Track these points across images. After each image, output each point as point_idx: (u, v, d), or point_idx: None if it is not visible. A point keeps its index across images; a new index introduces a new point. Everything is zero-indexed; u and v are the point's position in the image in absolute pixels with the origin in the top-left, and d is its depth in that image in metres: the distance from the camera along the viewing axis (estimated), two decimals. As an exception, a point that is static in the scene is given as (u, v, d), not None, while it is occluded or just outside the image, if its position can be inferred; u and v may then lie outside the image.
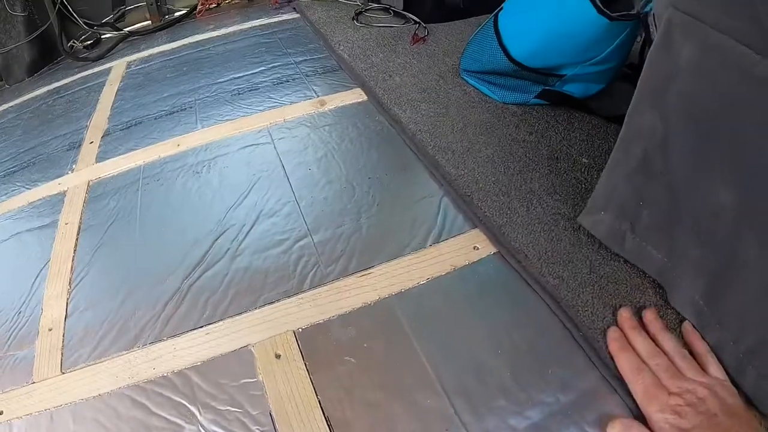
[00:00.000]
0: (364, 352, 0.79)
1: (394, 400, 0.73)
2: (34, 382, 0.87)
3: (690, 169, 0.71)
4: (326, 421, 0.72)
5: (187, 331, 0.87)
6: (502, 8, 1.20)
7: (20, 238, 1.20)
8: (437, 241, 0.94)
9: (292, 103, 1.32)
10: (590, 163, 1.07)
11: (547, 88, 1.18)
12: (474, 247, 0.92)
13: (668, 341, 0.71)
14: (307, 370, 0.78)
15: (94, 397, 0.83)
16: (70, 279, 1.03)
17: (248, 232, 1.00)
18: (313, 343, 0.81)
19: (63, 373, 0.87)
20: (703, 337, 0.73)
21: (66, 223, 1.17)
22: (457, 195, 1.00)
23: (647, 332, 0.74)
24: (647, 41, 1.03)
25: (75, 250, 1.10)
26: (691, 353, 0.71)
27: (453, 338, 0.80)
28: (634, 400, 0.67)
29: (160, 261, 1.01)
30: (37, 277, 1.06)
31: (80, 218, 1.18)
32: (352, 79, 1.38)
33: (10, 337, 0.96)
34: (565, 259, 0.88)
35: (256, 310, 0.87)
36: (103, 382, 0.84)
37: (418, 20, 1.57)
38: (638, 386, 0.66)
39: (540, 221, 0.95)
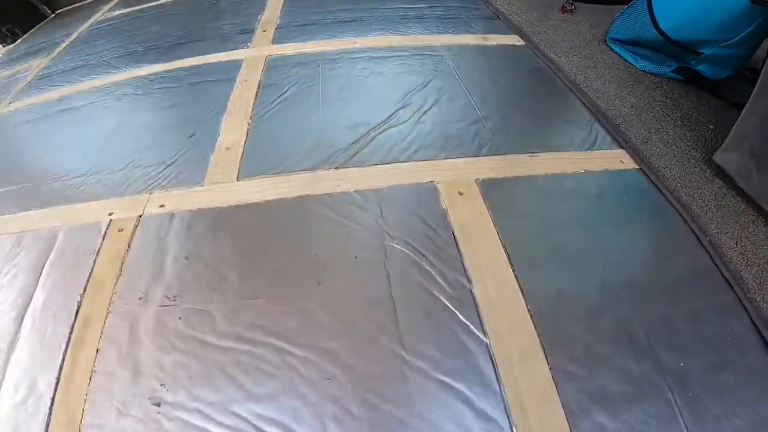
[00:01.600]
0: (532, 210, 0.96)
1: (554, 248, 0.90)
2: (203, 185, 1.01)
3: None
4: (502, 245, 0.88)
5: (374, 164, 1.04)
6: (656, -16, 1.40)
7: (194, 87, 1.37)
8: (591, 149, 1.11)
9: (458, 33, 1.52)
10: (715, 130, 1.24)
11: (683, 65, 1.36)
12: (620, 161, 1.09)
13: None
14: (487, 207, 0.95)
15: (273, 200, 0.96)
16: (251, 116, 1.20)
17: (428, 110, 1.19)
18: (491, 191, 0.98)
19: (239, 181, 1.01)
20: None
21: (245, 80, 1.35)
22: (607, 122, 1.18)
23: None
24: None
25: (255, 98, 1.27)
26: None
27: (603, 222, 0.96)
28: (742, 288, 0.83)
29: (345, 116, 1.18)
30: (213, 112, 1.22)
31: (260, 78, 1.35)
32: (509, 28, 1.57)
33: (180, 151, 1.10)
34: (695, 186, 1.06)
35: (439, 161, 1.05)
36: (284, 190, 0.98)
37: (565, -6, 1.76)
38: None
39: (675, 156, 1.12)
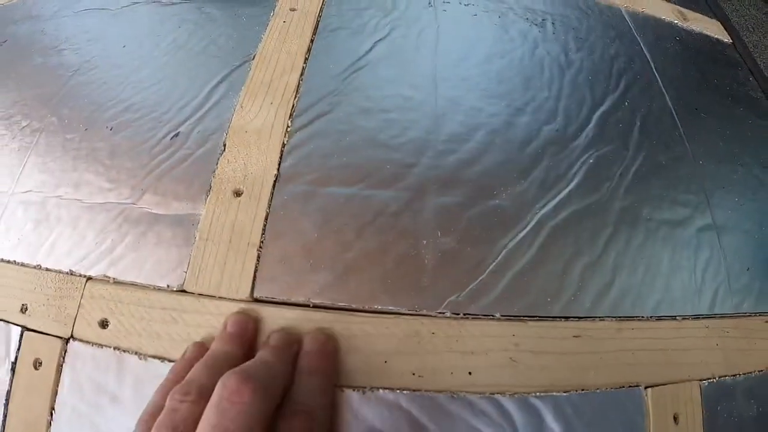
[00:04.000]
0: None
1: None
2: (183, 289, 0.46)
3: None
4: None
5: (536, 319, 0.51)
6: None
7: (200, 7, 0.69)
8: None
9: (647, -7, 0.91)
10: None
11: None
12: None
13: None
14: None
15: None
16: (293, 104, 0.59)
17: (635, 170, 0.65)
18: (715, 412, 0.54)
19: (252, 302, 0.46)
20: None
21: (292, 9, 0.69)
22: None
23: None
24: None
25: (308, 57, 0.64)
26: None
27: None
28: None
29: (477, 153, 0.60)
30: (221, 81, 0.60)
31: (319, 9, 0.70)
32: (708, 4, 0.99)
33: (147, 170, 0.52)
34: None
35: (651, 326, 0.55)
36: (352, 361, 0.44)
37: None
38: None
39: None
